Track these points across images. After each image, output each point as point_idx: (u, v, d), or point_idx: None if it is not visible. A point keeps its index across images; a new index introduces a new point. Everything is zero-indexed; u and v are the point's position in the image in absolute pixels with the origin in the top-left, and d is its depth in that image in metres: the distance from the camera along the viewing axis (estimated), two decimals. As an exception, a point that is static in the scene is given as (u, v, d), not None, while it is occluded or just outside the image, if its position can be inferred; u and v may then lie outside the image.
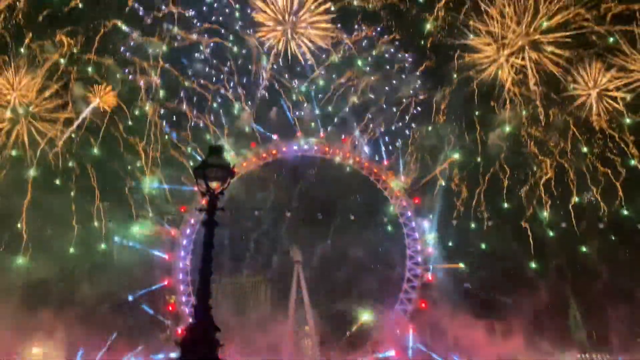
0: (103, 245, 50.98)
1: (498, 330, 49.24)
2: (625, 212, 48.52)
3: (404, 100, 51.88)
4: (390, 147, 53.51)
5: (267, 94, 53.05)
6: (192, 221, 51.52)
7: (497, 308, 50.42)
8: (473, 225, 51.61)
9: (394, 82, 52.10)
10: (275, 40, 51.11)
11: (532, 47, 48.37)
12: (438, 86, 50.88)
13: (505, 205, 51.17)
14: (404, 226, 52.35)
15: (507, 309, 49.54)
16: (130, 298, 50.97)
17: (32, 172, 48.90)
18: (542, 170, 49.77)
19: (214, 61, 51.96)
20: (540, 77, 48.66)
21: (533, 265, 50.49)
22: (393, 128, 53.09)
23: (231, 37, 51.53)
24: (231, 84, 52.32)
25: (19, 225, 48.53)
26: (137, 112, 51.12)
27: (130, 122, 50.49)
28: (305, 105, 53.49)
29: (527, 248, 50.33)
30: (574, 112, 48.57)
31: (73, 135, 49.74)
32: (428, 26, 49.62)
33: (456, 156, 51.47)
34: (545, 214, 50.20)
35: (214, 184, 15.49)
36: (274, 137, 53.19)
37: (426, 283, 51.12)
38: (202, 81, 51.82)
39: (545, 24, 47.41)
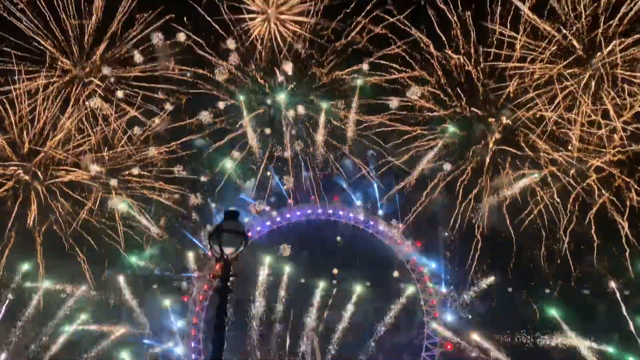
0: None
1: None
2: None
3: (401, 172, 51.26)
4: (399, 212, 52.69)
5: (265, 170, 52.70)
6: (205, 287, 50.87)
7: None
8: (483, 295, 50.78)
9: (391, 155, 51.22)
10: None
11: (522, 125, 47.95)
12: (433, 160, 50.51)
13: (513, 274, 50.11)
14: (421, 292, 51.26)
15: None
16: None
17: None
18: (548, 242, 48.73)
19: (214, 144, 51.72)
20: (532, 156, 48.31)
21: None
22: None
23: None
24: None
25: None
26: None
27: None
28: (309, 173, 52.71)
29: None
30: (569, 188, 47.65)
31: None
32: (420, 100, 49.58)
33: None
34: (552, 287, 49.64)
35: (228, 250, 15.21)
36: (289, 201, 52.94)
37: (445, 351, 49.87)
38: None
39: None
